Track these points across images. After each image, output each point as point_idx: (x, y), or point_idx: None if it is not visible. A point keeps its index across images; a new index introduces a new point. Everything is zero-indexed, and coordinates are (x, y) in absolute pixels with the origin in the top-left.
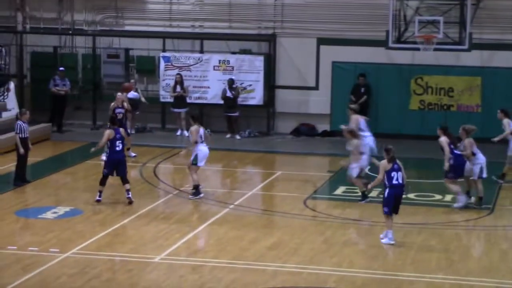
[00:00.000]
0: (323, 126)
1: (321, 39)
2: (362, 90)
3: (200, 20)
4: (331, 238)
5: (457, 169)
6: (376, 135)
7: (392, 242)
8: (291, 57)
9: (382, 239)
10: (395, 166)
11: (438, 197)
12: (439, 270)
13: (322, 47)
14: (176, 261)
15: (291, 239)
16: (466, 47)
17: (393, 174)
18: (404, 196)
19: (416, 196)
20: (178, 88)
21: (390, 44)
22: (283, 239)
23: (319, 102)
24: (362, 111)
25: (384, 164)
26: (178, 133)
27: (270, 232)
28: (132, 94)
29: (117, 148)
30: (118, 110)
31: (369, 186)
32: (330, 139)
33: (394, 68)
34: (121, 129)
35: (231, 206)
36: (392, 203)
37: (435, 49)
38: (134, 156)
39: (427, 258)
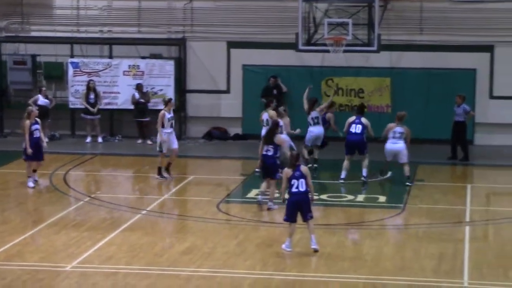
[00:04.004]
0: (235, 130)
1: (231, 43)
2: (275, 92)
3: (108, 25)
4: (244, 241)
5: None
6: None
7: (289, 250)
8: (202, 61)
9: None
10: (296, 173)
11: (350, 197)
12: (353, 270)
13: (232, 51)
14: (89, 269)
15: (205, 243)
16: (375, 48)
17: (293, 181)
18: (315, 199)
19: (328, 197)
20: (92, 95)
21: (300, 47)
22: (196, 244)
23: (230, 106)
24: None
25: (285, 171)
26: (88, 140)
27: (183, 237)
28: (42, 101)
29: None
30: (34, 127)
31: (281, 198)
32: (242, 143)
33: (305, 70)
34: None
35: (144, 212)
36: (291, 211)
37: (345, 51)
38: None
39: (341, 258)
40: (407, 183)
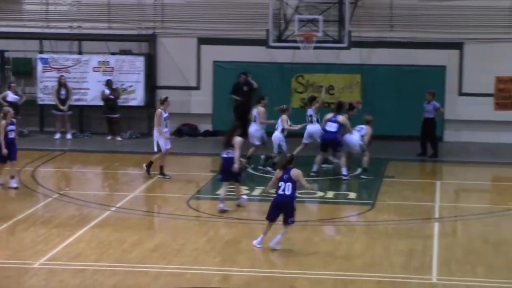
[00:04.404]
0: (205, 126)
1: (201, 39)
2: (245, 88)
3: (78, 21)
4: (214, 237)
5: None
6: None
7: (259, 246)
8: (172, 57)
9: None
10: (285, 176)
11: (320, 194)
12: (322, 266)
13: (203, 47)
14: (57, 266)
15: (174, 240)
16: (345, 45)
17: (281, 184)
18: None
19: (298, 193)
20: (63, 91)
21: (271, 43)
22: (166, 240)
23: (201, 102)
24: (245, 109)
25: (276, 172)
26: (57, 136)
27: (152, 234)
28: (11, 97)
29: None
30: (10, 127)
31: (265, 188)
32: (213, 139)
33: (275, 67)
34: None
35: (113, 209)
36: (273, 211)
37: (315, 48)
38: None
39: (311, 255)
40: (362, 176)
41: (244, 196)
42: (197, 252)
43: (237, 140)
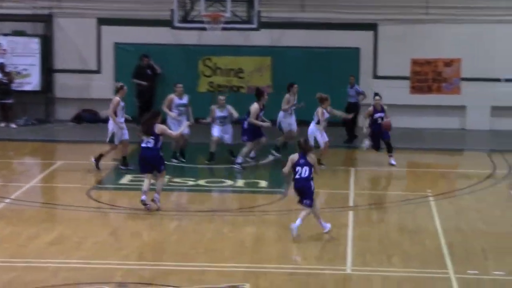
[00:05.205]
0: (106, 112)
1: (101, 19)
2: (149, 72)
3: None
4: (117, 230)
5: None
6: (163, 120)
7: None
8: (70, 38)
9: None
10: (301, 160)
11: (229, 182)
12: (232, 258)
13: (103, 28)
14: None
15: (75, 233)
16: (254, 26)
17: (298, 168)
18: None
19: (206, 182)
20: None
21: (176, 24)
22: (65, 234)
23: (101, 87)
24: (149, 94)
25: (291, 157)
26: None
27: (51, 227)
28: None
29: None
30: None
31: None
32: None
33: (181, 49)
34: None
35: (7, 201)
36: (298, 195)
37: (223, 29)
38: None
39: (220, 247)
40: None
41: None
42: (98, 246)
43: (160, 127)
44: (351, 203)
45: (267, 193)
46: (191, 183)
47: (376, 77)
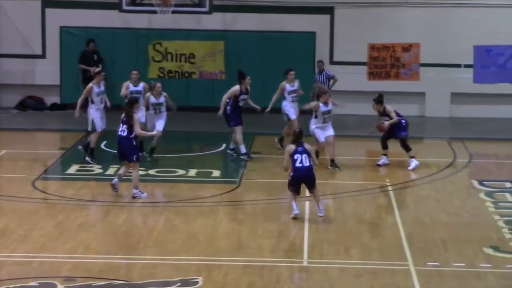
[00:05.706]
0: (52, 99)
1: (46, 2)
2: (95, 57)
3: None
4: (64, 222)
5: None
6: (112, 108)
7: (296, 212)
8: (13, 21)
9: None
10: (299, 148)
11: (181, 172)
12: (184, 251)
13: (48, 10)
14: None
15: (19, 225)
16: (206, 9)
17: (297, 156)
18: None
19: (157, 172)
20: None
21: (124, 7)
22: (9, 226)
23: (47, 72)
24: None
25: (288, 147)
26: None
27: None
28: None
29: None
30: None
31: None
32: (61, 113)
33: (130, 33)
34: None
35: None
36: (296, 186)
37: (174, 12)
38: None
39: (171, 239)
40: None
41: (142, 194)
42: (45, 238)
43: (134, 117)
44: (307, 193)
45: (220, 182)
46: (141, 172)
47: (332, 62)
